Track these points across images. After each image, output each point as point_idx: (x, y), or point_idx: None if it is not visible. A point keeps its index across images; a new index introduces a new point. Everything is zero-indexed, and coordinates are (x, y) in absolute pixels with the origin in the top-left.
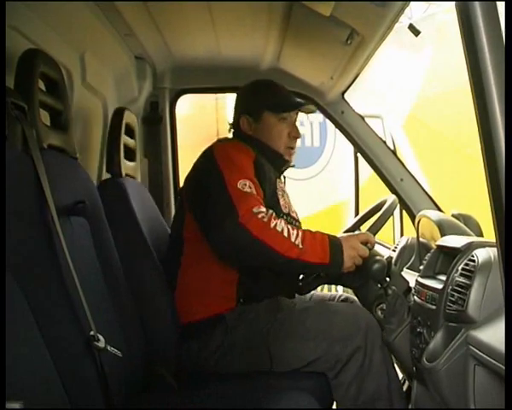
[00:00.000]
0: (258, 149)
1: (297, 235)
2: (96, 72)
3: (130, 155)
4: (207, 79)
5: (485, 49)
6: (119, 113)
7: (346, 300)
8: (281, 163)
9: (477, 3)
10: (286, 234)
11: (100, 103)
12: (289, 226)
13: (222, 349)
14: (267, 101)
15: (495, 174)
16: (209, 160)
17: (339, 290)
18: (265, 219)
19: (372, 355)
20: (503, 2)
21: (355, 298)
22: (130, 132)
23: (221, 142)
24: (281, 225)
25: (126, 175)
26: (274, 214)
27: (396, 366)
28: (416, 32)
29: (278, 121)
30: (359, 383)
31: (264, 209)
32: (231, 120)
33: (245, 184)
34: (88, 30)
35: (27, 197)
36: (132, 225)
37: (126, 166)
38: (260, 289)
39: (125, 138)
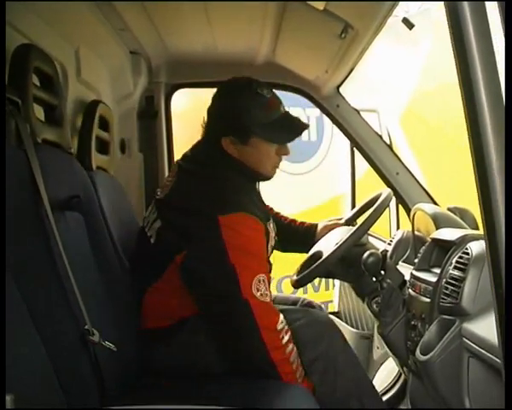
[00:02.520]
0: (244, 174)
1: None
2: (91, 67)
3: (104, 147)
4: (203, 74)
5: (474, 49)
6: (92, 105)
7: (308, 305)
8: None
9: (466, 3)
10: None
11: (95, 98)
12: (295, 354)
13: (188, 350)
14: (259, 127)
15: (483, 170)
16: (214, 239)
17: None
18: (284, 341)
19: (336, 359)
20: (492, 2)
21: (320, 304)
22: (105, 125)
23: (224, 213)
24: (289, 346)
25: (98, 168)
26: (286, 327)
27: (392, 358)
28: (410, 25)
29: (268, 144)
30: (326, 386)
31: (282, 322)
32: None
33: (259, 283)
34: (82, 25)
35: (21, 193)
36: (98, 219)
37: (98, 159)
38: None
39: (98, 131)
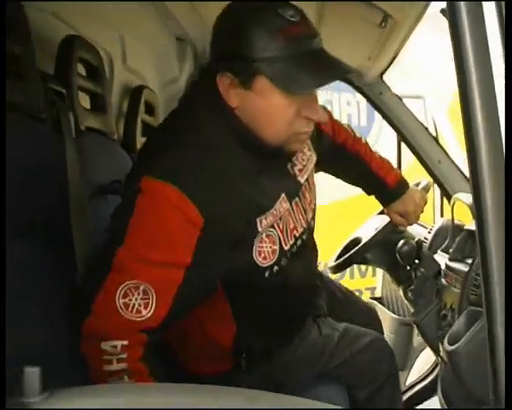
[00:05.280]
0: (243, 140)
1: None
2: (136, 53)
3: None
4: None
5: (469, 50)
6: (137, 90)
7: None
8: (282, 157)
9: (462, 4)
10: None
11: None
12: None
13: None
14: (268, 61)
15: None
16: (129, 202)
17: None
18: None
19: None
20: (489, 3)
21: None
22: (150, 110)
23: (154, 174)
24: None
25: None
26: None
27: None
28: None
29: (282, 94)
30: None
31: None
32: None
33: (132, 290)
34: (128, 12)
35: (65, 177)
36: None
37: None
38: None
39: (143, 116)
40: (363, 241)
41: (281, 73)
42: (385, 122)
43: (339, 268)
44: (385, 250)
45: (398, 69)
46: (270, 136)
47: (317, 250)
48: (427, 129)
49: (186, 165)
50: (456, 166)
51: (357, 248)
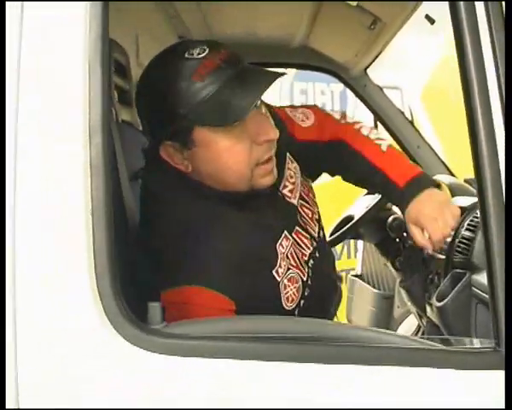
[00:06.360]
0: (222, 202)
1: None
2: (147, 51)
3: None
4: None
5: (468, 47)
6: None
7: None
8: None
9: (461, 4)
10: None
11: None
12: None
13: None
14: (196, 108)
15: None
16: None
17: None
18: None
19: None
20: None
21: None
22: None
23: (166, 288)
24: None
25: None
26: None
27: (410, 317)
28: (431, 21)
29: (228, 134)
30: None
31: None
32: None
33: None
34: (142, 13)
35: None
36: None
37: None
38: None
39: None
40: (356, 218)
41: (213, 112)
42: (358, 110)
43: (333, 243)
44: (376, 226)
45: (380, 64)
46: (235, 180)
47: (332, 254)
48: (406, 118)
49: (190, 262)
50: (434, 151)
51: (350, 224)
